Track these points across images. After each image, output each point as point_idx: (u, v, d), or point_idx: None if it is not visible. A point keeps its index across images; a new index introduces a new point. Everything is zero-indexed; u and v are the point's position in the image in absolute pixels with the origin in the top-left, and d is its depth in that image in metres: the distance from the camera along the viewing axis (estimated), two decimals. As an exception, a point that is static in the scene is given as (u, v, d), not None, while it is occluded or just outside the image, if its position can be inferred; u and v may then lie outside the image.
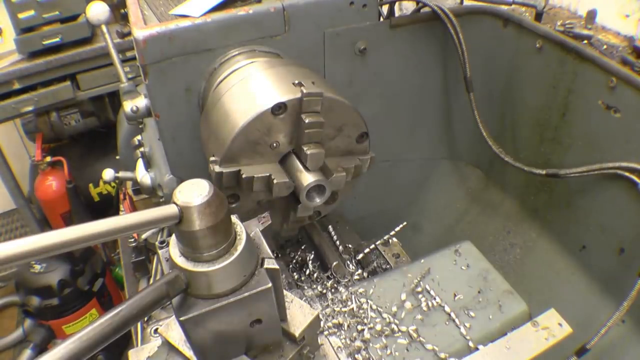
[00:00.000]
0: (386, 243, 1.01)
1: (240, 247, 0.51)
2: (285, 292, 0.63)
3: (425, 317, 0.77)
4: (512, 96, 1.07)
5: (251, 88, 0.73)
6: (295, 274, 0.95)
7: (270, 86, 0.71)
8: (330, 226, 1.01)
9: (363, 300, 0.79)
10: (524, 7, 1.07)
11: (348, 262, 0.95)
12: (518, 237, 1.11)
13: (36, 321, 2.06)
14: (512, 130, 1.09)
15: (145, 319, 0.60)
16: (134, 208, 1.25)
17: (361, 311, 0.77)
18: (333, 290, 0.83)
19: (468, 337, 0.74)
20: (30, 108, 2.14)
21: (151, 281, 1.02)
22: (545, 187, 1.04)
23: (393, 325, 0.75)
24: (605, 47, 0.98)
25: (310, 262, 0.96)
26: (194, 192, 0.47)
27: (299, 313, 0.65)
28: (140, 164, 0.95)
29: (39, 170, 2.45)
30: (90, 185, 2.53)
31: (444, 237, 1.22)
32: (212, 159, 0.71)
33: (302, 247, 1.00)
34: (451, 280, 0.82)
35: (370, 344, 0.72)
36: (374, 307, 0.78)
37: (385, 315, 0.76)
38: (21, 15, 1.92)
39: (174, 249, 0.51)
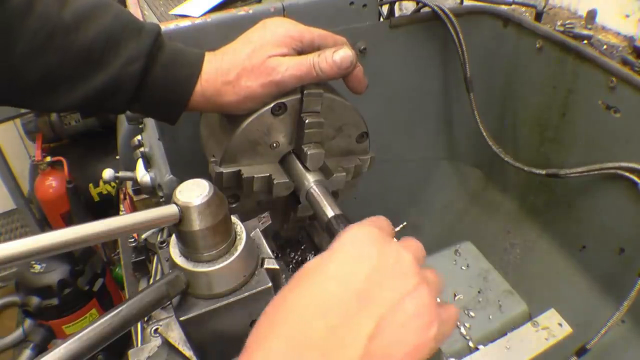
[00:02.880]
0: (386, 243, 1.01)
1: (240, 247, 0.51)
2: (285, 292, 0.63)
3: (425, 317, 0.77)
4: (512, 96, 1.06)
5: (251, 88, 0.72)
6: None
7: (270, 86, 0.71)
8: (330, 226, 1.01)
9: (363, 300, 0.78)
10: (524, 7, 1.07)
11: (348, 262, 0.95)
12: (518, 237, 1.11)
13: (36, 321, 2.06)
14: (512, 130, 1.09)
15: (145, 319, 0.60)
16: (134, 208, 1.25)
17: (361, 311, 0.77)
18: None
19: (468, 337, 0.74)
20: (30, 108, 2.14)
21: (151, 281, 1.01)
22: (545, 187, 1.04)
23: (393, 325, 0.75)
24: (605, 47, 0.98)
25: (310, 262, 0.96)
26: (194, 192, 0.47)
27: (299, 313, 0.65)
28: (140, 164, 0.95)
29: (39, 170, 2.45)
30: (90, 185, 2.53)
31: (444, 237, 1.22)
32: (212, 159, 0.71)
33: (302, 247, 1.00)
34: (451, 280, 0.82)
35: (370, 344, 0.72)
36: (374, 307, 0.78)
37: (385, 315, 0.76)
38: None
39: (174, 249, 0.51)
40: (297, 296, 0.39)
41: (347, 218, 0.65)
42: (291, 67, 0.63)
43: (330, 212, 0.67)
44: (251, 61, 0.63)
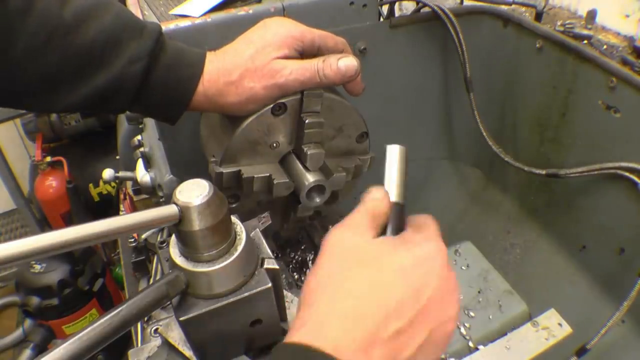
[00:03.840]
0: (386, 243, 1.00)
1: (240, 247, 0.51)
2: (285, 292, 0.63)
3: (425, 317, 0.77)
4: (512, 96, 1.06)
5: (251, 88, 0.72)
6: (295, 274, 0.95)
7: (270, 86, 0.71)
8: (330, 226, 1.01)
9: (363, 300, 0.78)
10: (524, 7, 1.07)
11: (348, 262, 0.95)
12: (518, 237, 1.11)
13: (36, 321, 2.06)
14: (512, 130, 1.09)
15: (145, 319, 0.60)
16: (134, 208, 1.25)
17: (361, 311, 0.77)
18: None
19: (468, 337, 0.74)
20: (30, 108, 2.14)
21: (151, 281, 1.02)
22: (545, 187, 1.04)
23: (393, 325, 0.75)
24: (605, 47, 0.98)
25: (311, 262, 0.96)
26: (194, 192, 0.47)
27: (299, 313, 0.65)
28: (140, 164, 0.95)
29: (39, 170, 2.45)
30: (90, 185, 2.53)
31: (444, 237, 1.22)
32: (212, 159, 0.71)
33: (302, 247, 1.00)
34: (451, 280, 0.82)
35: (370, 344, 0.72)
36: (374, 307, 0.78)
37: (385, 315, 0.76)
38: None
39: (173, 249, 0.51)
40: (378, 290, 0.41)
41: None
42: (295, 71, 0.64)
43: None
44: (254, 62, 0.63)
